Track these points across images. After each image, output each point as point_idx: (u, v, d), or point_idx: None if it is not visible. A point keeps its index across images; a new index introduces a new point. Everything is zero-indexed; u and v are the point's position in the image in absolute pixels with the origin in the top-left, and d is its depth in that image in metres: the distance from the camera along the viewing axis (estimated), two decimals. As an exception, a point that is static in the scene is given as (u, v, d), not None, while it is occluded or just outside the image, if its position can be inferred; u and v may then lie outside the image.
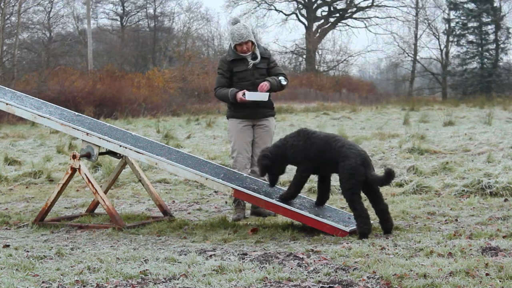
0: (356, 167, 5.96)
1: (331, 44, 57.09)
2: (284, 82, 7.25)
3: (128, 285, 4.53)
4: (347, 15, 48.32)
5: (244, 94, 7.10)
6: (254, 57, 7.23)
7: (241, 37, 7.10)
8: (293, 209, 6.20)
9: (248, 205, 7.30)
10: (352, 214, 6.61)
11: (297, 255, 5.23)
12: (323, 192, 6.60)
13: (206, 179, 6.48)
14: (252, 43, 7.21)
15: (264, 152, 6.48)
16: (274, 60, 7.42)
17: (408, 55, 48.14)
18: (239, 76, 7.22)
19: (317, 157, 6.23)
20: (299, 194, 6.66)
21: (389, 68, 52.60)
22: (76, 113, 7.65)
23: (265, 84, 7.12)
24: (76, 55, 42.06)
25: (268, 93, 7.16)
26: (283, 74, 7.33)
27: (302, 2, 47.89)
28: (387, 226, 6.06)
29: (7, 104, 7.11)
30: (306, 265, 4.93)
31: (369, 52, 79.92)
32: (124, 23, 47.37)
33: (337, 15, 48.37)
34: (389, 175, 5.97)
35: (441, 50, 46.54)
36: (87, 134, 6.86)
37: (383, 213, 6.06)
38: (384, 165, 10.56)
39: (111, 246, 5.82)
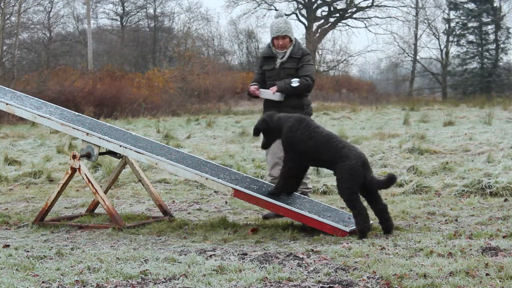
0: (356, 168, 5.97)
1: (331, 44, 57.15)
2: (294, 84, 7.04)
3: (128, 285, 4.53)
4: (347, 15, 48.32)
5: (258, 88, 7.17)
6: (283, 56, 7.21)
7: (278, 31, 7.14)
8: (293, 209, 6.19)
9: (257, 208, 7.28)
10: (352, 214, 6.62)
11: (297, 255, 5.23)
12: (296, 182, 6.44)
13: (206, 179, 6.48)
14: (290, 40, 7.19)
15: (265, 118, 6.44)
16: (307, 59, 7.20)
17: (408, 55, 48.18)
18: (267, 75, 7.27)
19: (313, 152, 6.18)
20: (298, 194, 6.65)
21: (389, 68, 52.58)
22: (76, 113, 7.64)
23: (272, 88, 7.10)
24: (76, 55, 42.06)
25: (280, 94, 7.06)
26: (305, 76, 7.10)
27: (302, 2, 47.88)
28: (387, 226, 6.06)
29: (7, 104, 7.11)
30: (306, 265, 4.93)
31: (369, 52, 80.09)
32: (124, 23, 47.35)
33: (337, 15, 48.37)
34: (390, 180, 6.03)
35: (441, 50, 46.57)
36: (87, 134, 6.86)
37: (382, 213, 6.06)
38: (384, 165, 10.56)
39: (111, 246, 5.82)
